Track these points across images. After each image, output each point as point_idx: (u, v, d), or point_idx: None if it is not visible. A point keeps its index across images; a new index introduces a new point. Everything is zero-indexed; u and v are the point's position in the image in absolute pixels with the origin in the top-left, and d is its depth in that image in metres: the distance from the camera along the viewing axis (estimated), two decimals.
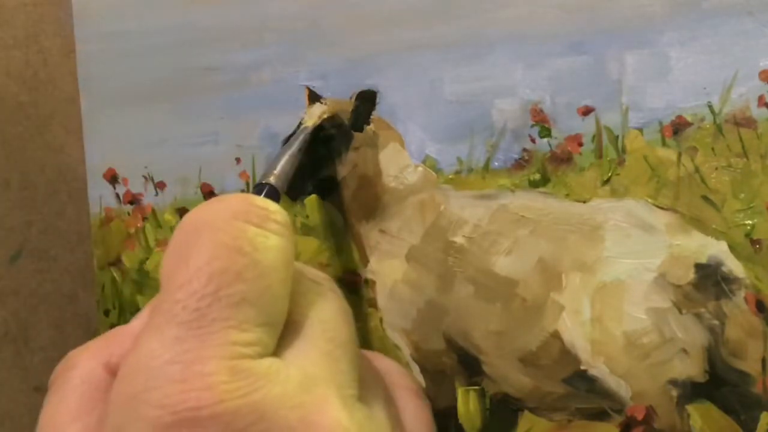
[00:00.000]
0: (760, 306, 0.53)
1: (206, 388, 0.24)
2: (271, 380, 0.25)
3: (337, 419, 0.25)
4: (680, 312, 0.54)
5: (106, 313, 0.69)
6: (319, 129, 0.60)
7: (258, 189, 0.44)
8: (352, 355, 0.27)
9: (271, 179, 0.47)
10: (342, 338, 0.27)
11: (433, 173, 0.60)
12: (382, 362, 0.32)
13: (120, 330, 0.29)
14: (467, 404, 0.59)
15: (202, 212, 0.26)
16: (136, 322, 0.29)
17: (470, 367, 0.59)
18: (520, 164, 0.58)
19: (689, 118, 0.55)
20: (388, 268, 0.60)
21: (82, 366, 0.28)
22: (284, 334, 0.27)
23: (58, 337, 0.70)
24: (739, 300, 0.54)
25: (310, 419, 0.25)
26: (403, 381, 0.31)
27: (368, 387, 0.29)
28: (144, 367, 0.24)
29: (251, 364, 0.25)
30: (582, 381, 0.56)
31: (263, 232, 0.26)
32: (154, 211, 0.68)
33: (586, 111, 0.57)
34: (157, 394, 0.23)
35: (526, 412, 0.58)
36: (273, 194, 0.45)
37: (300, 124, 0.60)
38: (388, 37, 0.60)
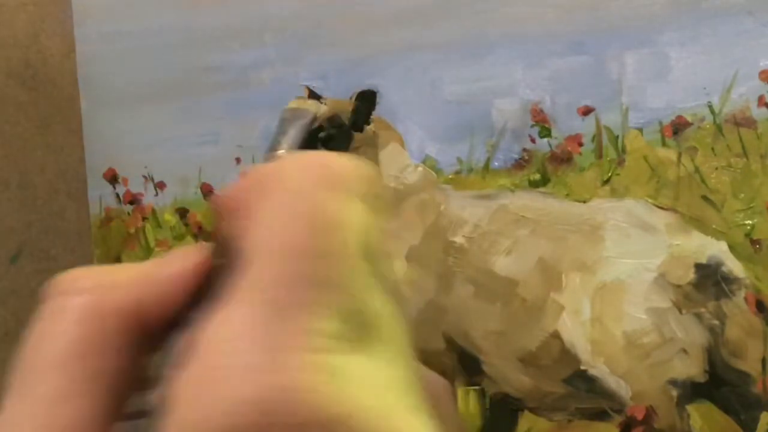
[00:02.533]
0: (760, 306, 0.53)
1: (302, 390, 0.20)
2: (364, 383, 0.22)
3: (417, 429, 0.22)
4: (680, 312, 0.54)
5: None
6: (319, 129, 0.60)
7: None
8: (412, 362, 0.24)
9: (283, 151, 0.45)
10: (406, 341, 0.24)
11: (433, 173, 0.60)
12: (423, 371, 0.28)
13: (142, 270, 0.22)
14: (467, 404, 0.59)
15: (278, 170, 0.21)
16: (165, 269, 0.23)
17: (470, 367, 0.59)
18: (520, 164, 0.58)
19: (689, 118, 0.55)
20: None
21: (87, 299, 0.22)
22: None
23: None
24: (739, 300, 0.54)
25: (394, 426, 0.22)
26: (441, 386, 0.28)
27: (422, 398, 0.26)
28: (224, 351, 0.20)
29: (342, 361, 0.21)
30: (582, 381, 0.56)
31: (347, 204, 0.21)
32: (154, 211, 0.68)
33: (586, 111, 0.57)
34: (240, 385, 0.19)
35: (526, 412, 0.58)
36: None
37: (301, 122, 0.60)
38: (388, 37, 0.60)
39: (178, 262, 0.22)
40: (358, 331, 0.22)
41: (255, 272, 0.21)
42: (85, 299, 0.21)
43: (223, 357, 0.20)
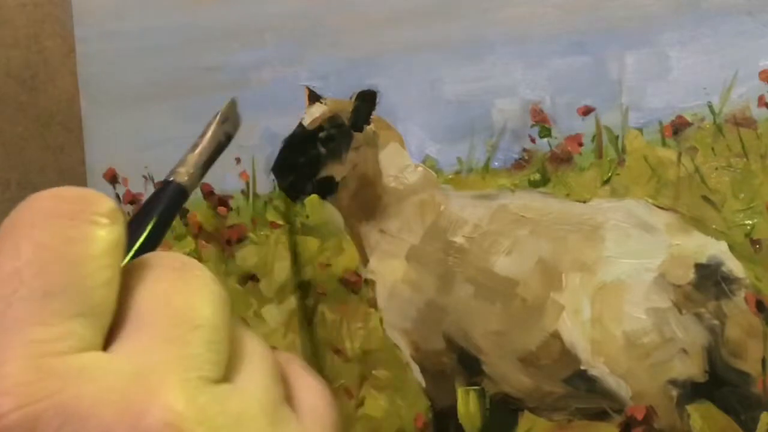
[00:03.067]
0: (760, 306, 0.53)
1: (5, 393, 0.22)
2: (86, 376, 0.23)
3: (169, 405, 0.23)
4: (680, 312, 0.54)
5: None
6: (319, 129, 0.60)
7: (162, 185, 0.42)
8: (214, 336, 0.25)
9: (177, 176, 0.44)
10: (199, 320, 0.25)
11: (433, 173, 0.60)
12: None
13: None
14: (467, 404, 0.59)
15: (13, 214, 0.25)
16: None
17: (470, 367, 0.59)
18: (520, 164, 0.58)
19: (689, 118, 0.55)
20: (388, 268, 0.60)
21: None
22: (123, 325, 0.25)
23: None
24: (739, 300, 0.54)
25: (133, 411, 0.23)
26: (294, 359, 0.29)
27: (246, 367, 0.26)
28: None
29: (60, 361, 0.23)
30: (582, 381, 0.56)
31: (75, 223, 0.25)
32: None
33: (586, 111, 0.57)
34: None
35: (526, 412, 0.58)
36: (179, 193, 0.43)
37: (300, 124, 0.60)
38: (388, 37, 0.60)
39: None
40: (96, 328, 0.24)
41: None
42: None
43: None
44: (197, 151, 0.44)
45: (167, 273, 0.27)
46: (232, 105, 0.48)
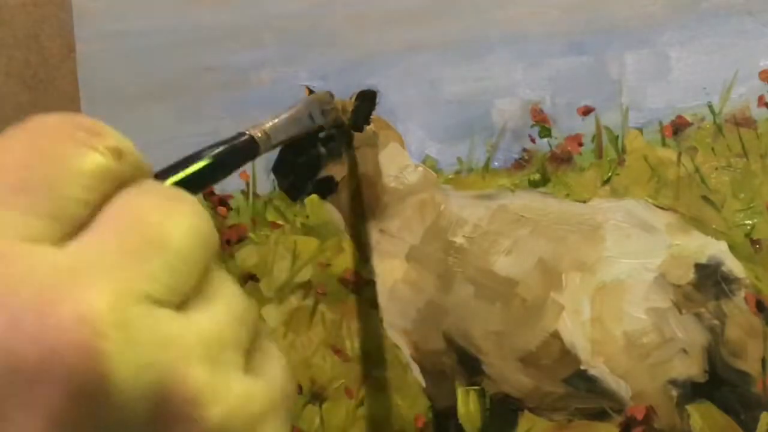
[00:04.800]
0: (760, 306, 0.53)
1: None
2: (13, 261, 0.22)
3: (90, 301, 0.22)
4: (680, 312, 0.54)
5: None
6: (319, 129, 0.60)
7: (237, 135, 0.43)
8: (178, 263, 0.25)
9: (255, 131, 0.45)
10: (168, 243, 0.25)
11: (433, 173, 0.60)
12: None
13: None
14: (467, 404, 0.59)
15: (28, 121, 0.26)
16: None
17: (470, 367, 0.59)
18: (520, 164, 0.58)
19: (689, 118, 0.55)
20: (388, 268, 0.60)
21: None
22: (93, 228, 0.25)
23: None
24: (739, 300, 0.54)
25: (46, 299, 0.22)
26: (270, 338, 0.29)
27: (206, 305, 0.26)
28: None
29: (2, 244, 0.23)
30: (582, 381, 0.56)
31: (75, 143, 0.25)
32: None
33: (586, 111, 0.57)
34: None
35: (526, 412, 0.58)
36: (250, 145, 0.44)
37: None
38: (388, 37, 0.60)
39: None
40: (60, 231, 0.24)
41: None
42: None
43: None
44: (276, 118, 0.47)
45: (157, 196, 0.26)
46: (327, 96, 0.51)
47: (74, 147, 0.25)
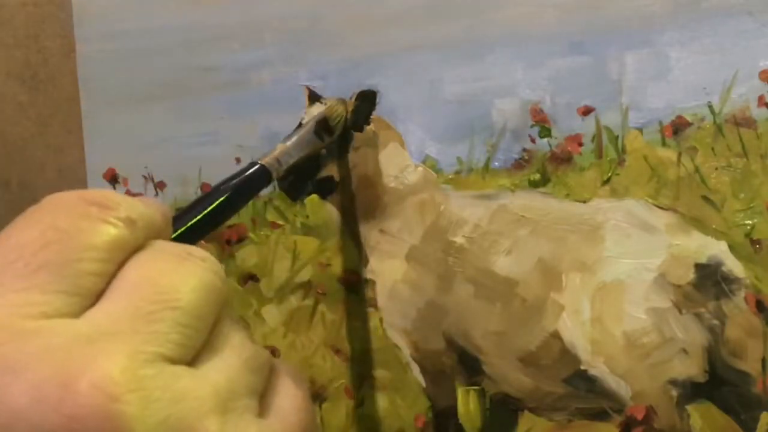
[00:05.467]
0: (760, 306, 0.53)
1: None
2: (36, 334, 0.24)
3: (105, 370, 0.24)
4: (680, 312, 0.54)
5: None
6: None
7: (248, 166, 0.45)
8: (189, 320, 0.26)
9: (266, 159, 0.47)
10: (178, 302, 0.26)
11: (433, 173, 0.60)
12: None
13: None
14: (467, 404, 0.59)
15: (40, 202, 0.28)
16: None
17: (470, 367, 0.59)
18: (520, 164, 0.58)
19: (689, 118, 0.55)
20: (388, 268, 0.60)
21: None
22: (107, 296, 0.26)
23: None
24: (739, 300, 0.54)
25: (68, 371, 0.23)
26: (287, 368, 0.31)
27: (216, 356, 0.28)
28: None
29: (20, 320, 0.24)
30: (582, 381, 0.56)
31: (87, 218, 0.27)
32: None
33: (586, 111, 0.57)
34: None
35: (526, 412, 0.58)
36: (263, 174, 0.45)
37: (300, 123, 0.60)
38: (388, 37, 0.60)
39: None
40: (75, 306, 0.26)
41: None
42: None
43: None
44: (285, 142, 0.50)
45: (167, 257, 0.28)
46: (335, 111, 0.53)
47: (88, 223, 0.27)
